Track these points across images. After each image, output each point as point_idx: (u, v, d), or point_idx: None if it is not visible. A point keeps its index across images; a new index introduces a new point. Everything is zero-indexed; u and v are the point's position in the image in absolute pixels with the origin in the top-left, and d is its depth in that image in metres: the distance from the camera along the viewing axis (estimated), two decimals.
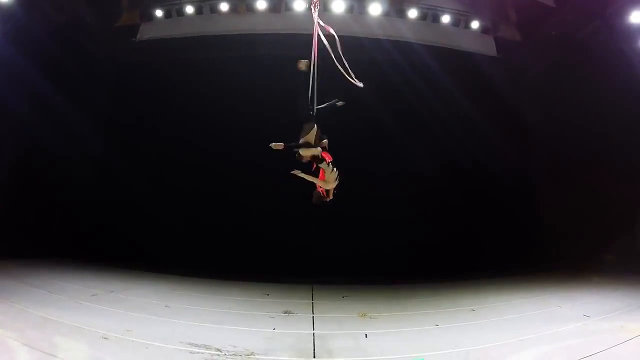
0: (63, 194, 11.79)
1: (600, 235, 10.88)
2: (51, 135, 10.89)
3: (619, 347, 5.05)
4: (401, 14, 11.47)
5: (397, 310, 7.73)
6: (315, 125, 5.94)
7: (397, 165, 12.18)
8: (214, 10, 11.49)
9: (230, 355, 4.98)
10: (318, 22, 6.08)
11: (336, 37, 6.04)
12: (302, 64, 5.97)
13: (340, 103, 6.11)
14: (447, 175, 12.26)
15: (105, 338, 5.10)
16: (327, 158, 5.89)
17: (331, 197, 5.97)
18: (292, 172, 5.75)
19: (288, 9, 11.34)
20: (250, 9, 11.43)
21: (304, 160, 5.84)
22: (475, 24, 11.72)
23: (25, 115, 10.40)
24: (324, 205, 5.99)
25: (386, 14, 11.45)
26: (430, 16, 11.54)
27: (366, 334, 6.01)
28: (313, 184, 5.96)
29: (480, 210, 12.29)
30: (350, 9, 11.28)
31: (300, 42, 6.58)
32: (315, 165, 5.92)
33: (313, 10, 6.25)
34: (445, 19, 11.57)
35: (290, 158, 5.88)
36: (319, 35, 6.13)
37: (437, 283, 10.23)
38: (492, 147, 12.37)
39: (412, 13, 11.42)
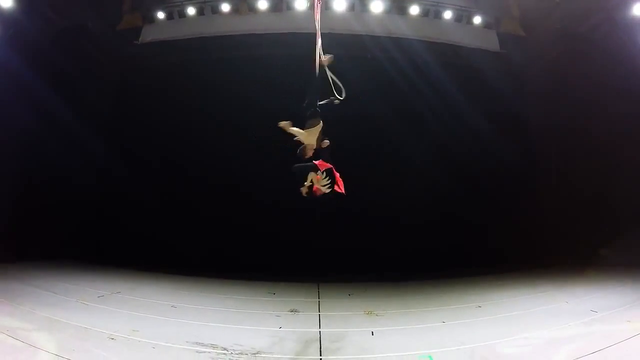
0: (68, 196, 11.81)
1: (604, 230, 10.78)
2: (55, 139, 10.95)
3: (627, 342, 5.04)
4: (403, 10, 11.43)
5: (403, 307, 7.71)
6: (321, 122, 5.81)
7: (399, 162, 12.11)
8: (216, 11, 11.51)
9: (237, 354, 5.00)
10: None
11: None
12: (326, 59, 5.88)
13: (337, 101, 5.99)
14: (450, 172, 12.14)
15: (112, 339, 5.14)
16: (321, 167, 5.63)
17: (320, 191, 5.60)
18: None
19: (289, 8, 11.33)
20: (251, 9, 11.45)
21: (306, 155, 5.71)
22: (477, 20, 11.67)
23: (28, 120, 10.43)
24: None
25: (388, 11, 11.40)
26: (432, 12, 11.50)
27: (372, 332, 6.01)
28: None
29: (484, 207, 12.21)
30: (352, 7, 11.27)
31: (302, 41, 6.56)
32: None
33: (316, 10, 6.23)
34: (447, 14, 11.52)
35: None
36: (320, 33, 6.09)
37: (442, 280, 10.20)
38: (495, 143, 12.25)
39: (414, 10, 11.37)
